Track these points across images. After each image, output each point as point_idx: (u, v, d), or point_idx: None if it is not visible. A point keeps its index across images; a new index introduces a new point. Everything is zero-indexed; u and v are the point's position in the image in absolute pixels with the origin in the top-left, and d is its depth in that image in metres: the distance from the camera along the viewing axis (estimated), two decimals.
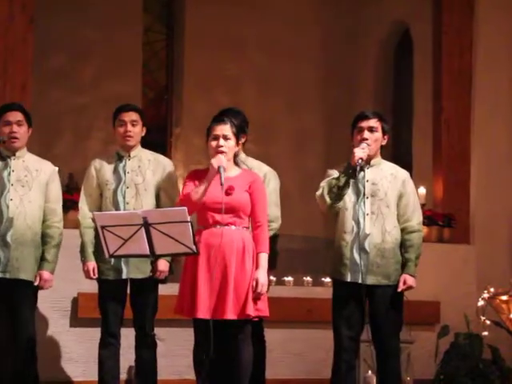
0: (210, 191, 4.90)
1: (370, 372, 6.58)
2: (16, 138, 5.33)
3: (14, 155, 5.38)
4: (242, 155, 5.51)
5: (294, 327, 6.98)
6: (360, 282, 5.10)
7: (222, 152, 4.97)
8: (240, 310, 4.86)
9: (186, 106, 10.09)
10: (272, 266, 5.46)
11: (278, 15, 10.13)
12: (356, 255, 5.14)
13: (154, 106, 10.34)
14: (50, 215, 5.40)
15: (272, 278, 6.76)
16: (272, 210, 5.44)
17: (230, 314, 4.84)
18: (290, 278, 7.34)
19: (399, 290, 5.18)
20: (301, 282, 7.42)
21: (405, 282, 5.18)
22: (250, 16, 10.06)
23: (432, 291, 7.40)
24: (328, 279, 7.21)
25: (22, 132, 5.37)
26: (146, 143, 5.71)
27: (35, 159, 5.46)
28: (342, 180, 5.12)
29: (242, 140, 5.39)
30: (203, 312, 4.83)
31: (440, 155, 8.06)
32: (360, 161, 5.07)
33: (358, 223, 5.16)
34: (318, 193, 5.23)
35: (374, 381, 6.13)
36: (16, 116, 5.35)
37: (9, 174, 5.32)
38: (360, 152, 5.10)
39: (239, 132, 5.15)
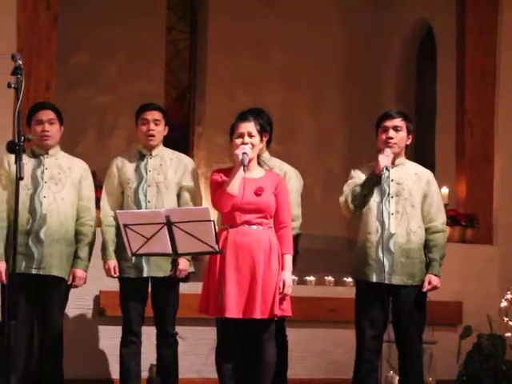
0: (239, 191, 4.90)
1: (391, 372, 6.56)
2: (48, 137, 5.37)
3: (47, 153, 5.40)
4: (266, 154, 5.51)
5: (316, 327, 6.97)
6: (386, 282, 5.09)
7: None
8: (267, 309, 4.87)
9: (208, 104, 10.10)
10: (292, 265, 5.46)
11: (300, 14, 10.12)
12: (381, 255, 5.12)
13: (176, 105, 10.36)
14: (83, 213, 5.42)
15: (294, 277, 6.74)
16: (293, 208, 5.44)
17: (259, 314, 4.85)
18: (311, 278, 7.33)
19: (424, 289, 5.16)
20: (322, 281, 7.41)
21: (430, 283, 5.17)
22: (273, 15, 10.05)
23: (454, 292, 7.37)
24: (350, 279, 7.19)
25: (54, 130, 5.40)
26: (169, 141, 5.72)
27: (68, 157, 5.49)
28: (366, 189, 5.13)
29: (264, 139, 5.41)
30: (232, 311, 4.84)
31: (463, 155, 8.02)
32: (385, 169, 5.07)
33: (382, 223, 5.14)
34: (342, 199, 5.24)
35: (396, 381, 6.12)
36: (48, 115, 5.38)
37: (42, 172, 5.35)
38: (385, 160, 5.09)
39: (262, 131, 5.17)
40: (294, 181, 5.56)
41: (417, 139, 9.68)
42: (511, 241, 7.81)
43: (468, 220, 7.82)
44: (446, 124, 8.83)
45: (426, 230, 5.25)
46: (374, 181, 5.13)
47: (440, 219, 5.29)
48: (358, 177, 5.27)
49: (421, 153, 9.69)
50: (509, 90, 8.03)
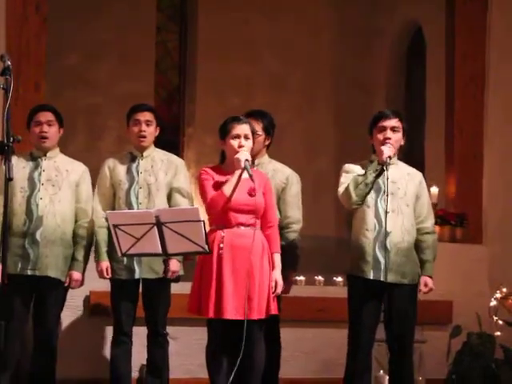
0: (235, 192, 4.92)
1: (381, 371, 6.57)
2: (45, 138, 5.37)
3: (45, 156, 5.41)
4: (266, 158, 5.55)
5: (306, 326, 6.97)
6: (382, 279, 5.10)
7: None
8: (262, 309, 4.91)
9: (198, 105, 10.10)
10: (293, 268, 5.49)
11: (290, 17, 10.14)
12: (378, 253, 5.12)
13: (166, 106, 10.36)
14: (80, 215, 5.43)
15: (302, 277, 7.00)
16: (294, 212, 5.50)
17: (256, 314, 4.88)
18: (301, 278, 7.34)
19: (421, 292, 5.18)
20: (312, 281, 7.42)
21: (426, 285, 5.19)
22: (263, 18, 10.07)
23: (444, 291, 7.37)
24: (340, 278, 7.20)
25: (52, 132, 5.40)
26: (159, 142, 5.72)
27: (67, 160, 5.50)
28: (370, 177, 5.09)
29: (267, 142, 5.47)
30: (231, 313, 4.85)
31: (452, 155, 8.04)
32: (388, 159, 5.07)
33: (379, 221, 5.14)
34: (341, 189, 5.19)
35: (386, 380, 6.13)
36: (46, 116, 5.39)
37: (39, 174, 5.35)
38: (388, 150, 5.09)
39: (266, 133, 5.36)
40: (295, 185, 5.59)
41: (407, 139, 9.72)
42: (501, 240, 7.84)
43: (458, 219, 7.83)
44: (436, 124, 8.85)
45: (418, 230, 5.27)
46: (380, 169, 5.10)
47: (430, 220, 5.34)
48: (356, 170, 5.24)
49: (410, 152, 9.71)
50: (498, 91, 8.05)
